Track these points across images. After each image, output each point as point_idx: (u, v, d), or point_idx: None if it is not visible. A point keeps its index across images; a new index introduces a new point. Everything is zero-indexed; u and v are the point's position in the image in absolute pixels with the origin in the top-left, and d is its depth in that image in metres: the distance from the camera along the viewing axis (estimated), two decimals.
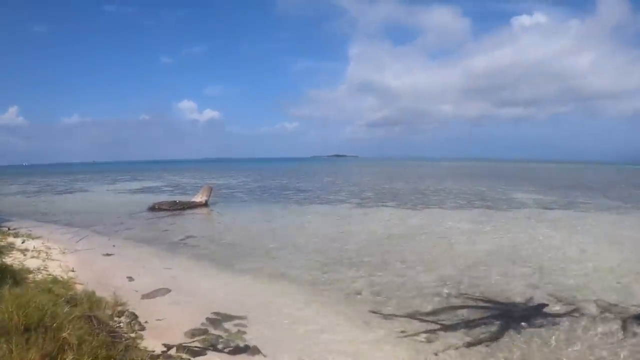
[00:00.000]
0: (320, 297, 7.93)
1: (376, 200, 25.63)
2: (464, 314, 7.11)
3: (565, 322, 6.71)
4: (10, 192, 37.96)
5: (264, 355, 5.42)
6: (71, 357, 4.03)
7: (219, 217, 19.88)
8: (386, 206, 22.41)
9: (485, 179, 49.25)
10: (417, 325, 6.56)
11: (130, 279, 8.93)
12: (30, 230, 14.62)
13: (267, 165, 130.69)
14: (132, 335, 5.79)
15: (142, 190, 35.37)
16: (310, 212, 20.43)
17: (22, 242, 12.11)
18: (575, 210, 20.72)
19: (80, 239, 13.60)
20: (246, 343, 5.73)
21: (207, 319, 6.54)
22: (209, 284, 8.66)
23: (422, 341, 5.99)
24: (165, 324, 6.31)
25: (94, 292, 7.08)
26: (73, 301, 6.45)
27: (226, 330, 6.16)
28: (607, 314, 7.05)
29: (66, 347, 4.19)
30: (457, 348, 5.76)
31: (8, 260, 9.19)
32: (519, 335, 6.17)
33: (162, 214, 20.05)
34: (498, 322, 6.72)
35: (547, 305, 7.51)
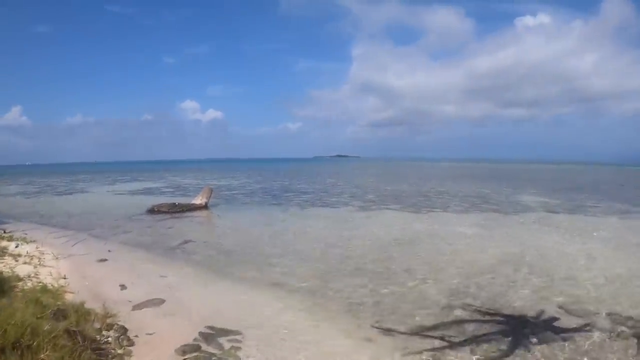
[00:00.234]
0: (321, 309, 7.56)
1: (379, 202, 25.27)
2: (471, 328, 6.74)
3: (577, 338, 6.35)
4: (11, 192, 37.82)
5: None
6: None
7: (219, 220, 19.57)
8: (389, 209, 22.04)
9: (488, 180, 48.85)
10: (421, 342, 6.19)
11: (123, 287, 8.61)
12: (26, 234, 14.37)
13: (270, 165, 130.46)
14: (120, 351, 5.48)
15: (142, 192, 35.11)
16: (311, 216, 20.09)
17: (16, 247, 11.84)
18: (582, 214, 20.30)
19: (75, 243, 13.33)
20: None
21: (201, 333, 6.20)
22: (204, 294, 8.30)
23: None
24: (155, 339, 5.98)
25: (82, 304, 6.76)
26: (60, 313, 6.15)
27: (220, 347, 5.81)
28: (622, 328, 6.70)
29: None
30: None
31: None
32: (529, 354, 5.81)
33: (161, 216, 19.76)
34: (507, 339, 6.35)
35: (558, 319, 7.14)
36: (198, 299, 7.91)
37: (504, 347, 6.09)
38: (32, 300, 6.74)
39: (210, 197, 23.80)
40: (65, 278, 8.97)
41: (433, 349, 5.95)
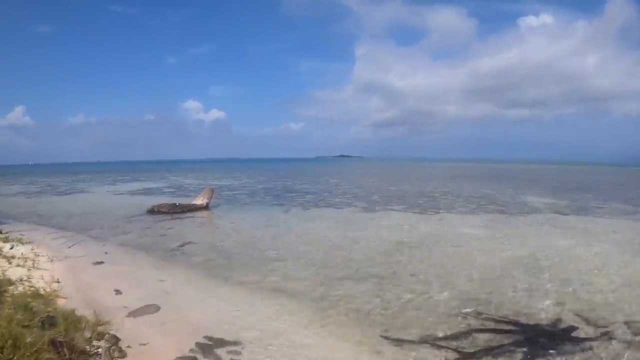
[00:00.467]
0: (325, 317, 7.13)
1: (383, 203, 24.85)
2: (484, 338, 6.34)
3: (596, 349, 5.99)
4: (12, 192, 37.57)
5: None
6: None
7: (220, 221, 19.20)
8: (394, 210, 21.61)
9: (492, 180, 48.36)
10: (433, 353, 5.81)
11: (118, 292, 8.24)
12: (23, 234, 14.05)
13: (272, 165, 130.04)
14: None
15: (143, 192, 34.79)
16: (314, 217, 19.69)
17: (11, 248, 11.50)
18: (590, 215, 19.85)
19: (72, 245, 12.98)
20: None
21: (198, 344, 5.82)
22: (203, 301, 7.89)
23: None
24: (149, 350, 5.61)
25: (73, 311, 6.40)
26: (49, 321, 5.78)
27: (218, 359, 5.43)
28: None
29: None
30: None
31: None
32: None
33: (161, 217, 19.40)
34: (523, 349, 5.97)
35: (576, 328, 6.74)
36: (196, 306, 7.51)
37: (520, 358, 5.71)
38: (21, 306, 6.40)
39: (211, 197, 23.43)
40: (58, 282, 8.61)
41: None
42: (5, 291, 7.49)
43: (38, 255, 10.86)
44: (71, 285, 8.50)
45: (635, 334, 6.50)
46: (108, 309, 7.11)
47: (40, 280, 8.47)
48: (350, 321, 7.01)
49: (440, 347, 6.03)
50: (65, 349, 4.83)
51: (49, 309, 6.53)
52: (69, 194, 35.15)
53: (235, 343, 5.90)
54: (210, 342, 5.89)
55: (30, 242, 12.53)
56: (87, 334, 5.84)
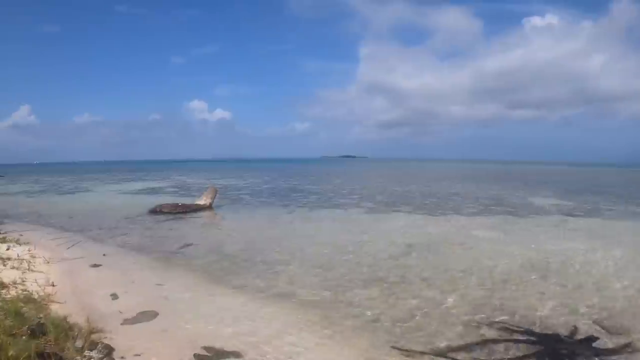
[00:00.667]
0: (331, 325, 6.73)
1: (389, 204, 24.43)
2: (500, 349, 5.94)
3: None
4: (15, 191, 37.44)
5: None
6: None
7: (223, 221, 18.86)
8: (400, 211, 21.17)
9: (498, 181, 47.84)
10: None
11: (115, 296, 7.90)
12: (21, 235, 13.80)
13: (277, 165, 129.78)
14: None
15: (147, 191, 34.55)
16: (320, 218, 19.32)
17: (7, 249, 11.23)
18: (601, 217, 19.37)
19: (71, 246, 12.68)
20: None
21: (196, 355, 5.45)
22: (203, 307, 7.49)
23: None
24: None
25: (65, 318, 6.06)
26: (40, 328, 5.44)
27: None
28: None
29: None
30: None
31: None
32: None
33: (163, 217, 19.08)
34: None
35: (597, 338, 6.33)
36: (195, 313, 7.13)
37: None
38: (11, 311, 6.07)
39: (214, 197, 23.10)
40: (53, 285, 8.30)
41: None
42: None
43: (35, 257, 10.56)
44: (67, 289, 8.18)
45: None
46: (103, 315, 6.79)
47: (34, 284, 8.15)
48: (357, 330, 6.60)
49: (453, 359, 5.64)
50: None
51: (41, 315, 6.20)
52: (72, 193, 34.96)
53: (236, 354, 5.51)
54: (209, 354, 5.50)
55: (27, 243, 12.25)
56: (79, 343, 5.50)
